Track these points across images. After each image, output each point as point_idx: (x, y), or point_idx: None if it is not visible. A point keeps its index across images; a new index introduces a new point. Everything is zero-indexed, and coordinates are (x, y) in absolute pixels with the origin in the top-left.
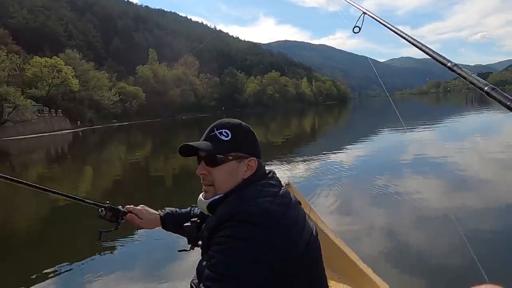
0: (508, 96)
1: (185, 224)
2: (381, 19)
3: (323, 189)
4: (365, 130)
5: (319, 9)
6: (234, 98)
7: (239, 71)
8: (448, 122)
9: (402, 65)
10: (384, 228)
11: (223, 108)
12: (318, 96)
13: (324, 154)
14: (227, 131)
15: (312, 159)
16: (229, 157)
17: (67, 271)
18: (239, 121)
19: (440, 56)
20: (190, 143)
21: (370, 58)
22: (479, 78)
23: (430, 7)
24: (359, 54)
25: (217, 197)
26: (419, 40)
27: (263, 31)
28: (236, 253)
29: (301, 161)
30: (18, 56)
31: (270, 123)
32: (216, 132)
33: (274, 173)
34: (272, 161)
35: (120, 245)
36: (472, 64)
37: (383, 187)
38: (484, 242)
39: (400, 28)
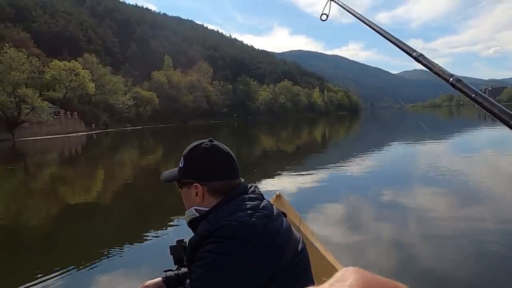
0: (472, 87)
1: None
2: (346, 6)
3: (318, 201)
4: (372, 142)
5: (332, 20)
6: (246, 105)
7: (252, 79)
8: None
9: (415, 78)
10: (375, 242)
11: (235, 115)
12: (330, 106)
13: (326, 165)
14: (182, 158)
15: (312, 170)
16: (179, 183)
17: (75, 271)
18: (199, 145)
19: (406, 45)
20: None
21: (381, 69)
22: (444, 69)
23: (443, 20)
24: (371, 65)
25: (197, 215)
26: (386, 30)
27: (277, 40)
28: (218, 268)
29: (301, 171)
30: (38, 59)
31: (280, 131)
32: (181, 159)
33: (255, 187)
34: (278, 171)
35: (127, 250)
36: (486, 78)
37: (379, 201)
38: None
39: (412, 41)
